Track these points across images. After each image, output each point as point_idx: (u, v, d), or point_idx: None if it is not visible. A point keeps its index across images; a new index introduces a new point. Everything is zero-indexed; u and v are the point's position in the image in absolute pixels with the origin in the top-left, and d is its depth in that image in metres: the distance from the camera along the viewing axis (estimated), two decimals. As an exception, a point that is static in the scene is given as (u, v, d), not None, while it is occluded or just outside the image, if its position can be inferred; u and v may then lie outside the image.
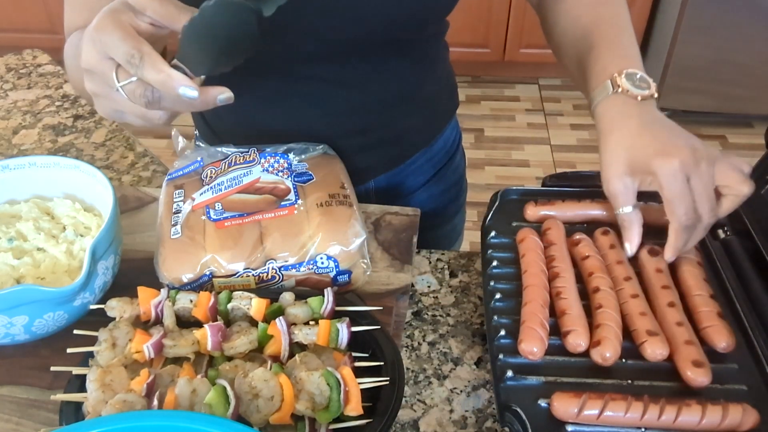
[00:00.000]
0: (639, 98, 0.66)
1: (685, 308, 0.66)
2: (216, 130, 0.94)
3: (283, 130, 0.86)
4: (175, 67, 0.52)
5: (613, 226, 0.76)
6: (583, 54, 0.73)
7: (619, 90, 0.66)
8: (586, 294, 0.68)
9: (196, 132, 1.00)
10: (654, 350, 0.61)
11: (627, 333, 0.64)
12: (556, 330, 0.64)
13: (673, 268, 0.70)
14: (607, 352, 0.61)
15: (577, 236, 0.74)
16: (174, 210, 0.75)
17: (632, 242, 0.69)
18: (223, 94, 0.55)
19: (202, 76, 0.55)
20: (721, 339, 0.61)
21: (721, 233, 0.77)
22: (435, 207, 1.03)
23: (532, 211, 0.78)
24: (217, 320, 0.64)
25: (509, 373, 0.61)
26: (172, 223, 0.73)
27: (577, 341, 0.62)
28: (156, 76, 0.50)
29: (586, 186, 0.81)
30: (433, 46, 0.91)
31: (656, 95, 0.68)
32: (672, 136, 0.64)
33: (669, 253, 0.68)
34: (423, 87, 0.91)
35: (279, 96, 0.85)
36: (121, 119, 0.58)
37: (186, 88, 0.51)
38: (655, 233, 0.74)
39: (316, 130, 0.86)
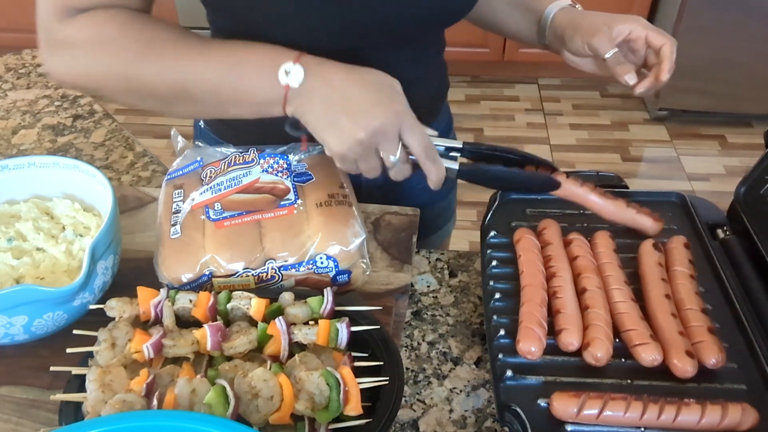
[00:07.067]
0: None
1: None
2: (224, 119, 0.94)
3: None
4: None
5: (614, 228, 0.76)
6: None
7: (576, 6, 0.86)
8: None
9: (201, 123, 1.00)
10: (649, 355, 0.61)
11: (625, 333, 0.64)
12: (554, 329, 0.64)
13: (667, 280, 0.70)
14: (598, 353, 0.61)
15: (571, 236, 0.74)
16: (173, 210, 0.75)
17: (630, 71, 0.78)
18: None
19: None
20: (711, 355, 0.61)
21: (720, 233, 0.77)
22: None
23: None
24: (216, 320, 0.64)
25: (509, 373, 0.61)
26: (172, 222, 0.73)
27: (569, 340, 0.62)
28: (436, 175, 0.68)
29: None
30: (434, 41, 0.92)
31: None
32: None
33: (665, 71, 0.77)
34: (419, 79, 0.91)
35: None
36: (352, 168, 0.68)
37: (439, 183, 0.69)
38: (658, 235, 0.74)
39: None
